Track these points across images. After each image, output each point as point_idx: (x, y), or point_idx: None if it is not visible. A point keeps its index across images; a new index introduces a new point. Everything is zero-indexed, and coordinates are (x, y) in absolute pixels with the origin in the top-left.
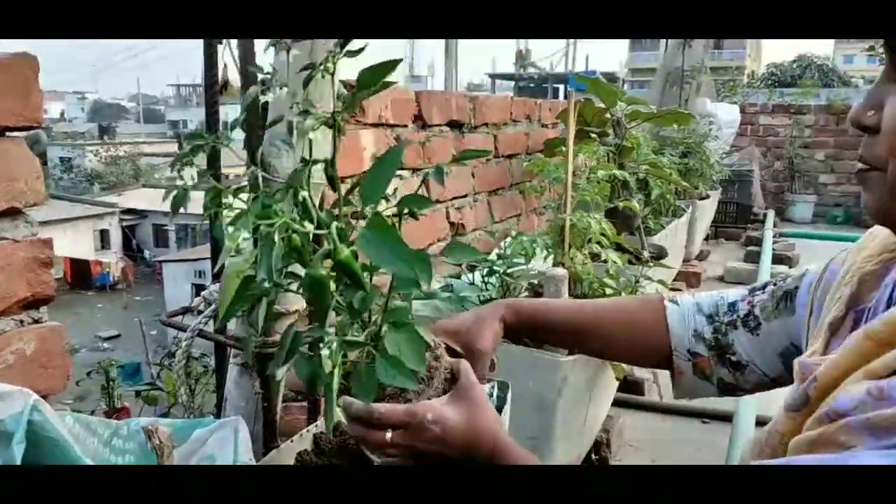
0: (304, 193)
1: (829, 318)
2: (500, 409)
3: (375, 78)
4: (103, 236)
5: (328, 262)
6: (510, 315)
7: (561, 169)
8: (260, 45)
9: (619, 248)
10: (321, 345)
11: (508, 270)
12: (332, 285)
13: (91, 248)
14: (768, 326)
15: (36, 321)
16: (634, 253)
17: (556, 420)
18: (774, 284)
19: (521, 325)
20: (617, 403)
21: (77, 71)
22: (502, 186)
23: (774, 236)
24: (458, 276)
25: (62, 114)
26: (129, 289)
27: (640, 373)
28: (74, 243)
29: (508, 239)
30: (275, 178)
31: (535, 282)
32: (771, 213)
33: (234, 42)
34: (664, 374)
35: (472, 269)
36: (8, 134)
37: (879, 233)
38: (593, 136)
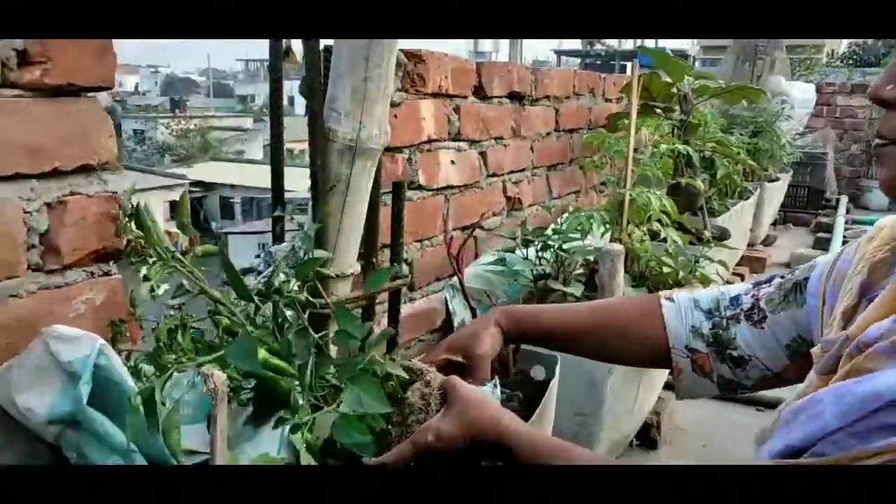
0: None
1: (841, 308)
2: (546, 383)
3: None
4: (173, 207)
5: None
6: (505, 320)
7: (622, 143)
8: None
9: (679, 227)
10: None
11: (563, 246)
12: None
13: (161, 218)
14: (775, 318)
15: (105, 273)
16: (696, 233)
17: (606, 398)
18: (781, 277)
19: (516, 330)
20: (669, 387)
21: (150, 45)
22: (562, 161)
23: (847, 223)
24: (512, 251)
25: (136, 87)
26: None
27: None
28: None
29: (565, 215)
30: (335, 141)
31: (591, 258)
32: (844, 199)
33: None
34: None
35: (526, 244)
36: (84, 94)
37: (888, 223)
38: (658, 111)
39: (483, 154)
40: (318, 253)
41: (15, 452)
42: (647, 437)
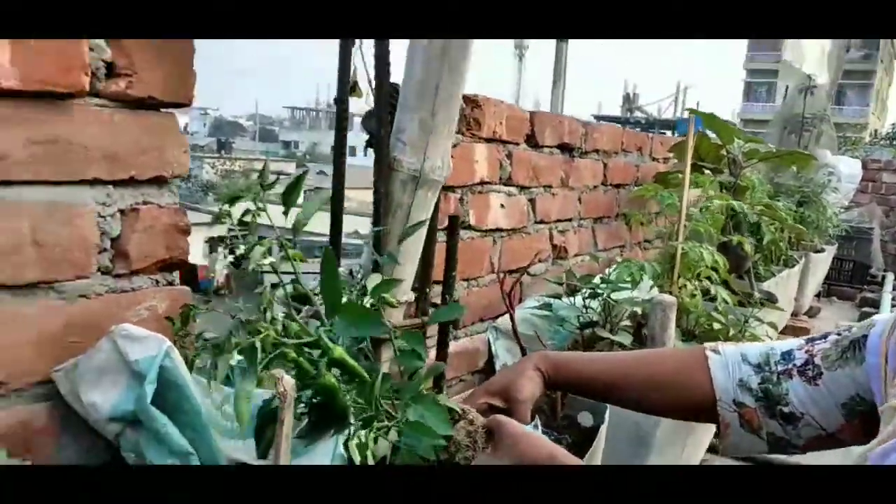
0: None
1: None
2: (594, 430)
3: None
4: (211, 245)
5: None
6: (545, 365)
7: (675, 196)
8: (393, 44)
9: (727, 287)
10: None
11: (612, 295)
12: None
13: (201, 253)
14: (831, 375)
15: (169, 283)
16: (742, 296)
17: (652, 452)
18: (837, 334)
19: (557, 376)
20: (713, 450)
21: (201, 87)
22: (608, 215)
23: (893, 300)
24: (559, 297)
25: (185, 127)
26: (230, 294)
27: None
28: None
29: (613, 266)
30: (399, 170)
31: (639, 310)
32: (891, 276)
33: (367, 42)
34: None
35: (572, 292)
36: (163, 109)
37: None
38: (707, 172)
39: (532, 201)
40: (397, 273)
41: (75, 450)
42: None
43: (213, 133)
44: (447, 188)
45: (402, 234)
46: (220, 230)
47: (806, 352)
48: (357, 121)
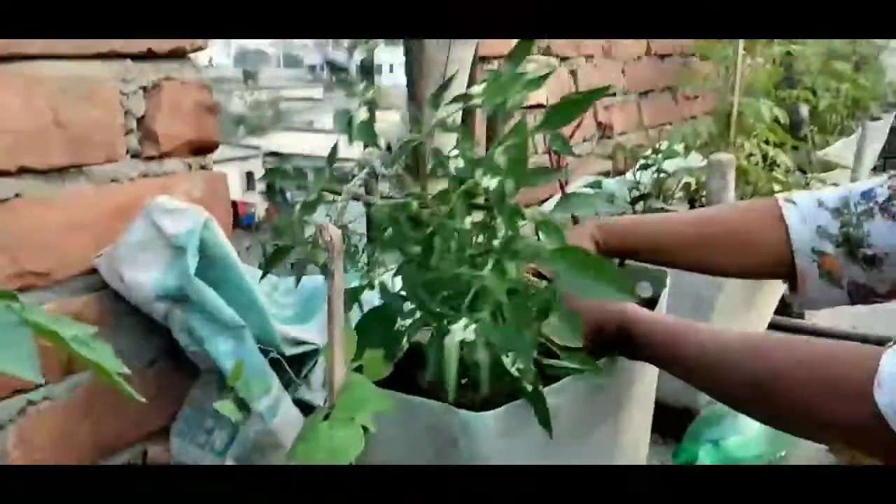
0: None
1: None
2: (653, 301)
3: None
4: (248, 178)
5: None
6: (601, 234)
7: (730, 48)
8: None
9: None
10: None
11: (664, 165)
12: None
13: (238, 189)
14: None
15: (202, 167)
16: (799, 165)
17: (713, 319)
18: None
19: (615, 241)
20: (773, 326)
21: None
22: (653, 88)
23: None
24: (607, 174)
25: (210, 60)
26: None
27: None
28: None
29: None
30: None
31: (693, 181)
32: None
33: None
34: None
35: (619, 173)
36: None
37: None
38: None
39: (573, 73)
40: None
41: (129, 340)
42: None
43: (238, 63)
44: (483, 59)
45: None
46: (254, 164)
47: (889, 188)
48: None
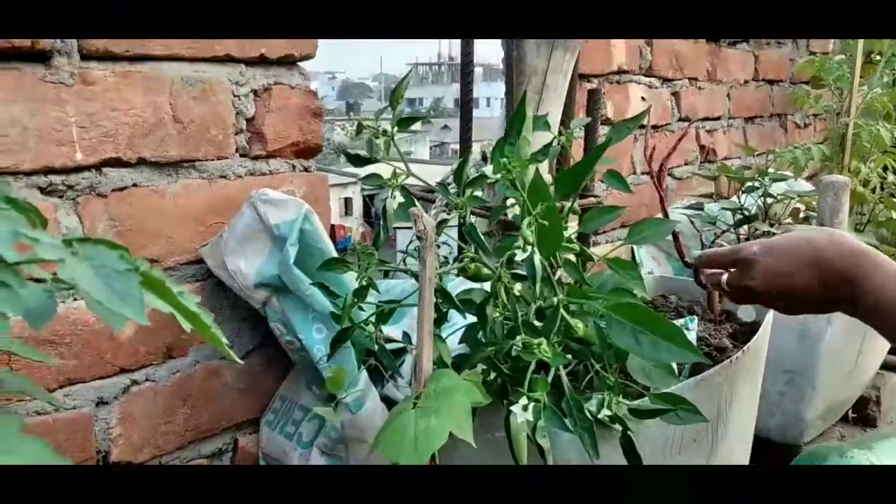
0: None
1: None
2: (757, 325)
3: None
4: (346, 204)
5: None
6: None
7: (845, 67)
8: None
9: None
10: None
11: (771, 189)
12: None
13: (337, 214)
14: None
15: (305, 169)
16: None
17: (821, 352)
18: None
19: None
20: (887, 367)
21: (328, 52)
22: (761, 115)
23: None
24: (710, 196)
25: (315, 92)
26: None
27: None
28: None
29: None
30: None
31: (802, 206)
32: None
33: None
34: None
35: (721, 198)
36: None
37: None
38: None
39: (675, 94)
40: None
41: (228, 328)
42: (864, 412)
43: (341, 96)
44: (582, 76)
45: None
46: (352, 191)
47: None
48: (480, 71)
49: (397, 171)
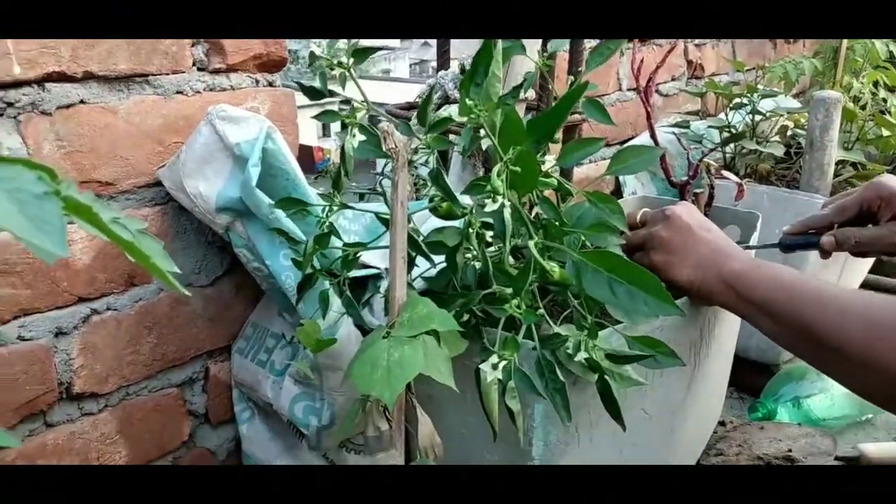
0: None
1: None
2: (745, 243)
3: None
4: (324, 125)
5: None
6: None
7: None
8: None
9: None
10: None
11: (759, 106)
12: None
13: (314, 135)
14: None
15: (270, 84)
16: None
17: (807, 272)
18: None
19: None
20: (867, 286)
21: None
22: None
23: None
24: (697, 113)
25: None
26: (346, 177)
27: None
28: (300, 131)
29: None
30: None
31: (791, 123)
32: None
33: None
34: None
35: (708, 117)
36: None
37: None
38: None
39: None
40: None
41: (191, 256)
42: None
43: None
44: None
45: None
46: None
47: None
48: None
49: (355, 105)
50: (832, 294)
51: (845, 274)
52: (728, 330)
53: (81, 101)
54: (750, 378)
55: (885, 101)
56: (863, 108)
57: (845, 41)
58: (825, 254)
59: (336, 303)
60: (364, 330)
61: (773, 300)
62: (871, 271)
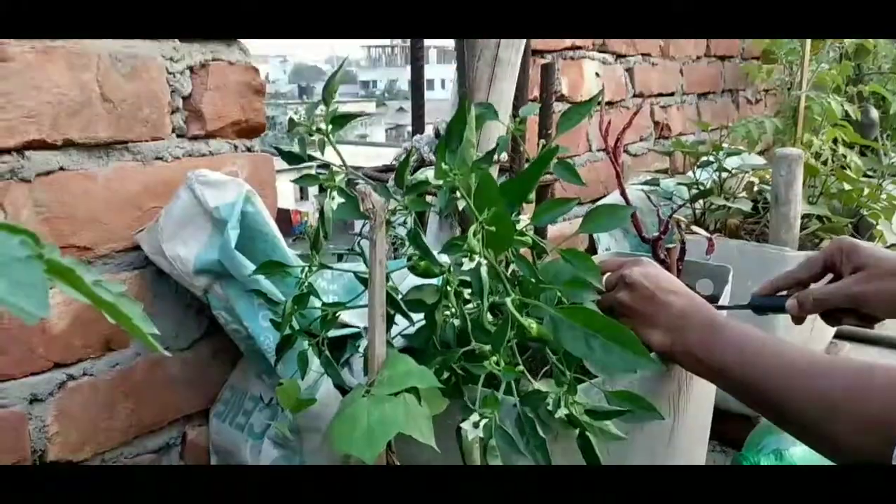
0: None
1: None
2: (716, 298)
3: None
4: (302, 189)
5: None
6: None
7: (797, 42)
8: None
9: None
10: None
11: (725, 163)
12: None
13: (292, 199)
14: None
15: (248, 149)
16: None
17: (779, 322)
18: None
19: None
20: (841, 336)
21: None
22: (713, 91)
23: None
24: (666, 171)
25: (267, 76)
26: (325, 238)
27: None
28: (279, 194)
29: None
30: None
31: (756, 179)
32: None
33: None
34: None
35: (676, 174)
36: None
37: None
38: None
39: (630, 70)
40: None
41: (170, 319)
42: None
43: (293, 80)
44: (535, 52)
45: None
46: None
47: None
48: (435, 53)
49: (334, 169)
50: (786, 363)
51: (815, 331)
52: (707, 382)
53: (61, 168)
54: (732, 431)
55: (844, 156)
56: (824, 163)
57: (803, 100)
58: (796, 319)
59: (315, 363)
60: (344, 390)
61: (727, 366)
62: None
